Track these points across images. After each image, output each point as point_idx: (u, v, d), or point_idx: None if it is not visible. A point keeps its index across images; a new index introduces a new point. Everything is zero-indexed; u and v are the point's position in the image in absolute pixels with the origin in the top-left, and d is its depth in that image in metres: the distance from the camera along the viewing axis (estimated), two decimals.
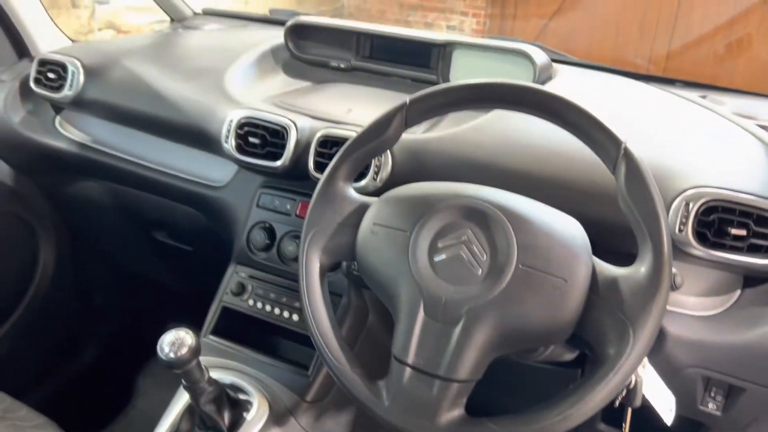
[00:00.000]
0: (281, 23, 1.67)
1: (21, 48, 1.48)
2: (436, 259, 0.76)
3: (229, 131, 1.13)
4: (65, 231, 1.56)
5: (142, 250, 1.58)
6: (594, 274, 0.73)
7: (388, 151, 1.02)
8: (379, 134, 0.83)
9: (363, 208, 0.84)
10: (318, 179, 0.87)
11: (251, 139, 1.12)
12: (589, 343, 0.74)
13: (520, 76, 1.27)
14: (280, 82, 1.36)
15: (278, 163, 1.10)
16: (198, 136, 1.21)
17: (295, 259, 1.14)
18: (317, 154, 1.07)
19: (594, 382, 0.69)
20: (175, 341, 0.88)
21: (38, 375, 1.61)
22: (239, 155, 1.13)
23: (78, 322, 1.70)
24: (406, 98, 0.81)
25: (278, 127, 1.10)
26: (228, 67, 1.30)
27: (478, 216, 0.76)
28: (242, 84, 1.27)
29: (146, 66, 1.33)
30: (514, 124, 1.03)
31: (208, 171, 1.28)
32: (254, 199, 1.19)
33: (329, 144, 1.06)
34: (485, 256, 0.74)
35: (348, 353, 0.79)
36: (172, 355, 0.86)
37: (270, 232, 1.16)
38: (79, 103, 1.34)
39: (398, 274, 0.77)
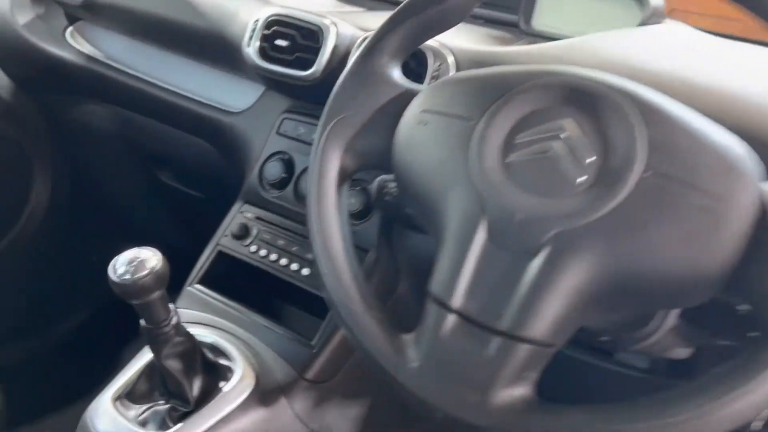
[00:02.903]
0: None
1: None
2: (512, 158, 0.50)
3: (253, 32, 0.91)
4: (63, 164, 1.36)
5: (145, 193, 1.36)
6: (764, 205, 0.46)
7: (452, 60, 0.79)
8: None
9: (409, 96, 0.59)
10: None
11: (278, 42, 0.89)
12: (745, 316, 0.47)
13: (624, 20, 1.01)
14: (326, 2, 1.14)
15: (308, 71, 0.87)
16: (215, 43, 0.99)
17: None
18: None
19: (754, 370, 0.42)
20: (133, 260, 0.65)
21: (9, 335, 1.39)
22: (261, 61, 0.90)
23: (65, 280, 1.47)
24: None
25: (314, 27, 0.87)
26: None
27: (586, 100, 0.50)
28: None
29: None
30: (612, 45, 0.78)
31: (226, 96, 1.06)
32: (274, 126, 0.96)
33: None
34: (593, 156, 0.48)
35: (364, 290, 0.54)
36: (127, 276, 0.63)
37: (288, 164, 0.92)
38: (92, 7, 1.14)
39: (451, 178, 0.52)
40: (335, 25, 0.87)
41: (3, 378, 0.92)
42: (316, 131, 0.60)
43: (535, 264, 0.46)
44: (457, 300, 0.48)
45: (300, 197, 0.91)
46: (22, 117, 1.29)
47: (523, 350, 0.46)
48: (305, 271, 0.86)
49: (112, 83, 1.16)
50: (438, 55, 0.79)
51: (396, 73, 0.61)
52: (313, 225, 0.56)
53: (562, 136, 0.49)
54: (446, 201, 0.51)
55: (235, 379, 0.76)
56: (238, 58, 0.96)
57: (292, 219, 0.91)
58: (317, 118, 0.93)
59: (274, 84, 0.94)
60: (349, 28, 0.88)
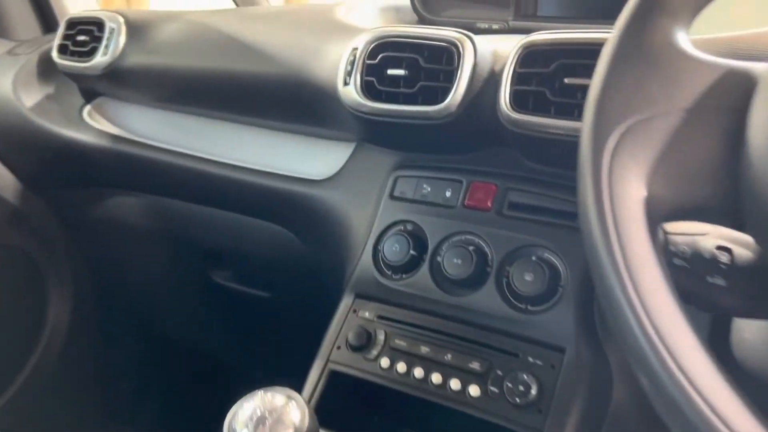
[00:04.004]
0: None
1: (48, 20, 1.09)
2: None
3: (352, 65, 0.67)
4: (85, 277, 1.09)
5: (193, 302, 1.08)
6: None
7: None
8: None
9: (740, 78, 0.34)
10: (515, 125, 0.54)
11: (391, 72, 0.65)
12: None
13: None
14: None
15: (442, 105, 0.62)
16: (292, 91, 0.75)
17: (465, 284, 0.63)
18: (518, 79, 0.59)
19: None
20: (263, 415, 0.38)
21: None
22: (367, 101, 0.66)
23: (92, 414, 1.17)
24: None
25: (443, 44, 0.63)
26: (338, 6, 0.86)
27: None
28: (369, 18, 0.83)
29: (218, 18, 0.90)
30: None
31: (302, 162, 0.82)
32: (384, 189, 0.71)
33: (542, 58, 0.58)
34: None
35: (737, 389, 0.28)
36: None
37: (416, 237, 0.66)
38: (117, 76, 0.91)
39: None
40: (470, 38, 0.63)
41: None
42: (581, 152, 0.35)
43: None
44: None
45: (441, 281, 0.64)
46: (31, 222, 1.03)
47: None
48: (473, 391, 0.58)
49: (148, 165, 0.92)
50: None
51: (689, 45, 0.37)
52: (630, 301, 0.30)
53: None
54: None
55: None
56: (322, 106, 0.73)
57: (435, 313, 0.63)
58: (446, 170, 0.69)
59: (381, 132, 0.70)
60: (487, 44, 0.64)
